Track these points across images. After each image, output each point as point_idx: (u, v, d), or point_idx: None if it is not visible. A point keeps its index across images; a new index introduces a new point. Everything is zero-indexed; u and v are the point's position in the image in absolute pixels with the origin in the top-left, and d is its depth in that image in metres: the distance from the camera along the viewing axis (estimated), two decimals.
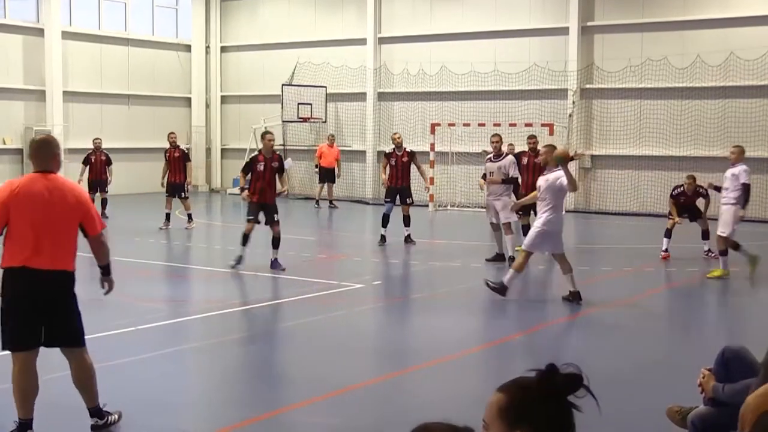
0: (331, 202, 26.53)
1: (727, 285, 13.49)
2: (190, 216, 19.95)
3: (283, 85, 29.09)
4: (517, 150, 18.23)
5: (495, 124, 24.46)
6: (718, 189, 14.85)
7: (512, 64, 26.54)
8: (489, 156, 15.63)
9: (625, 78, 25.34)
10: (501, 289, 11.68)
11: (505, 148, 16.43)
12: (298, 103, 28.74)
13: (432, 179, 24.22)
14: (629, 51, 25.15)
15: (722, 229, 13.79)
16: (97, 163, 22.25)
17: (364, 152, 29.61)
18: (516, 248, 14.92)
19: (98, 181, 22.22)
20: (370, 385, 8.09)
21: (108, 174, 22.39)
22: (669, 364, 9.00)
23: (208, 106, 33.63)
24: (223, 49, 33.47)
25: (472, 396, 7.39)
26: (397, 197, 17.39)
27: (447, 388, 8.05)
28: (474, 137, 25.60)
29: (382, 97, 29.53)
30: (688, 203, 16.19)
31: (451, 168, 26.80)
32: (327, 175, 26.85)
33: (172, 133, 21.03)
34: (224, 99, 33.62)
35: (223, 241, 18.77)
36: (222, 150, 33.61)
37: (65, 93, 28.91)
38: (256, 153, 14.87)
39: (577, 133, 25.90)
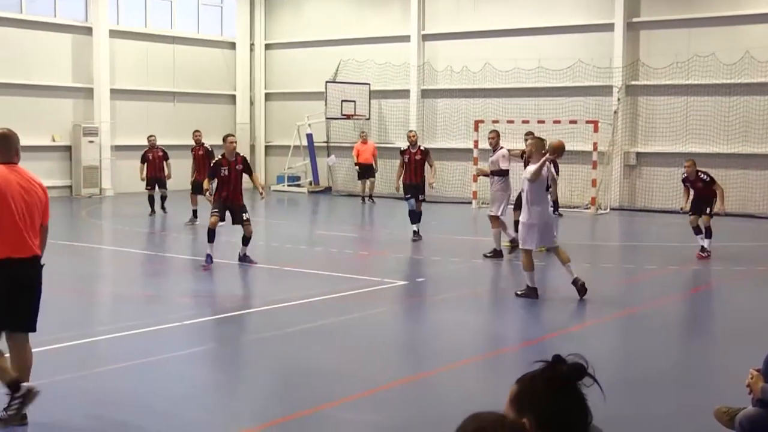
0: (371, 197, 26.67)
1: None
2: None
3: (326, 82, 29.19)
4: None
5: (539, 121, 24.36)
6: None
7: (557, 61, 26.38)
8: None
9: (671, 74, 25.06)
10: (530, 293, 11.60)
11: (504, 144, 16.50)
12: (342, 100, 28.83)
13: (475, 176, 24.15)
14: (675, 47, 24.88)
15: None
16: (155, 160, 22.45)
17: None
18: (503, 243, 15.19)
19: (157, 178, 22.43)
20: (409, 382, 8.11)
21: (166, 169, 22.60)
22: (716, 364, 8.91)
23: (252, 103, 33.84)
24: (268, 47, 33.66)
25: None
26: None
27: (485, 386, 8.03)
28: (519, 135, 25.45)
29: (425, 94, 29.51)
30: (703, 193, 15.42)
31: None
32: (366, 172, 27.07)
33: (197, 131, 21.21)
34: (268, 96, 33.81)
35: (266, 238, 18.88)
36: (266, 147, 33.82)
37: (112, 91, 29.26)
38: (219, 158, 14.85)
39: (622, 130, 25.67)
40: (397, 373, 8.37)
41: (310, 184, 30.50)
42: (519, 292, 11.77)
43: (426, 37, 29.47)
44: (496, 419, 2.46)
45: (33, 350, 6.73)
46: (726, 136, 24.36)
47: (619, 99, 25.55)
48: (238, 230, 14.56)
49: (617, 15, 25.56)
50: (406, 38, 29.55)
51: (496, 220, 15.31)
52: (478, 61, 27.95)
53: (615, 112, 25.59)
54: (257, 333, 10.17)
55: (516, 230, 13.95)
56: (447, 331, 10.47)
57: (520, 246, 11.88)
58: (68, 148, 28.32)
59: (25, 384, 6.51)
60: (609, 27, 25.75)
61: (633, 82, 25.61)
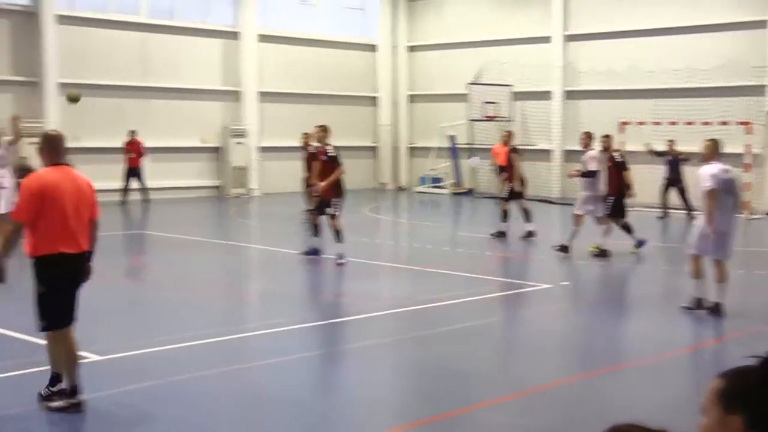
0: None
1: None
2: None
3: (468, 83, 29.19)
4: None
5: (687, 123, 23.69)
6: None
7: (705, 60, 25.58)
8: None
9: None
10: (696, 305, 10.79)
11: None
12: (484, 102, 28.78)
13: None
14: None
15: None
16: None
17: (550, 151, 29.31)
18: (589, 248, 15.14)
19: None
20: (558, 385, 8.03)
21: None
22: None
23: (395, 105, 34.14)
24: (411, 49, 33.90)
25: (662, 401, 7.24)
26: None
27: (637, 392, 7.87)
28: (666, 136, 24.81)
29: (569, 95, 29.13)
30: None
31: (641, 168, 26.06)
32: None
33: (306, 133, 20.51)
34: (412, 98, 34.04)
35: (409, 239, 19.03)
36: (409, 148, 34.06)
37: (259, 93, 30.08)
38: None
39: None
40: (546, 377, 8.30)
41: (453, 185, 30.57)
42: (689, 306, 10.78)
43: (569, 38, 29.09)
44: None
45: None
46: None
47: None
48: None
49: None
50: (547, 39, 29.25)
51: (578, 218, 15.61)
52: (622, 61, 27.40)
53: None
54: (403, 333, 10.26)
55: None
56: (594, 335, 10.32)
57: (690, 251, 10.79)
58: (217, 150, 29.27)
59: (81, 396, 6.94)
60: (761, 24, 24.82)
61: None
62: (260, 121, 29.90)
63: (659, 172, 22.64)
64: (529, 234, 17.43)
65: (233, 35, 29.73)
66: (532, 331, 10.41)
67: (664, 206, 22.18)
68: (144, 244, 18.75)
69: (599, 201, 15.65)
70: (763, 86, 24.73)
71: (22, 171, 15.59)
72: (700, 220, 10.85)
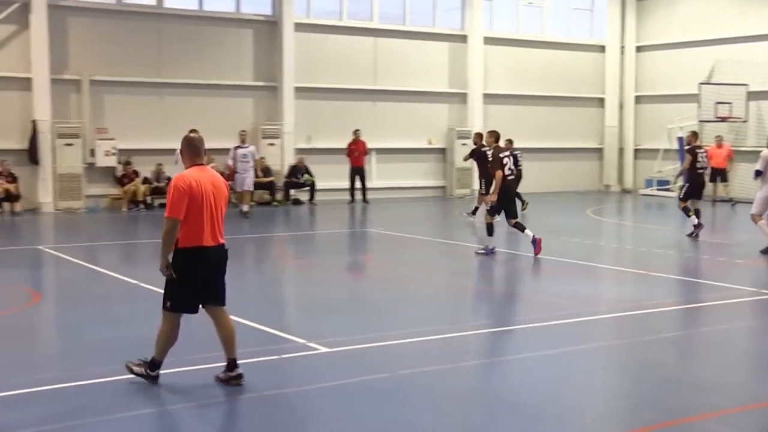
0: (721, 200, 26.27)
1: None
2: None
3: (700, 83, 28.28)
4: None
5: None
6: None
7: None
8: None
9: None
10: None
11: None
12: (716, 102, 27.80)
13: None
14: None
15: None
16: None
17: None
18: None
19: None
20: None
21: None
22: None
23: (621, 106, 33.58)
24: (638, 49, 33.24)
25: None
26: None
27: None
28: None
29: None
30: None
31: None
32: (717, 175, 26.49)
33: (478, 133, 21.77)
34: (638, 99, 33.37)
35: (634, 242, 18.79)
36: (635, 150, 33.41)
37: (485, 95, 30.47)
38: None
39: None
40: None
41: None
42: None
43: None
44: None
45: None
46: None
47: None
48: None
49: None
50: None
51: (757, 216, 15.89)
52: None
53: None
54: (623, 338, 10.17)
55: None
56: None
57: None
58: (443, 151, 29.95)
59: (238, 370, 7.56)
60: None
61: None
62: (485, 123, 30.28)
63: None
64: None
65: (461, 38, 30.29)
66: (764, 343, 10.10)
67: None
68: (368, 242, 19.51)
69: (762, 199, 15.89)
70: None
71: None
72: None
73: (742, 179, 26.61)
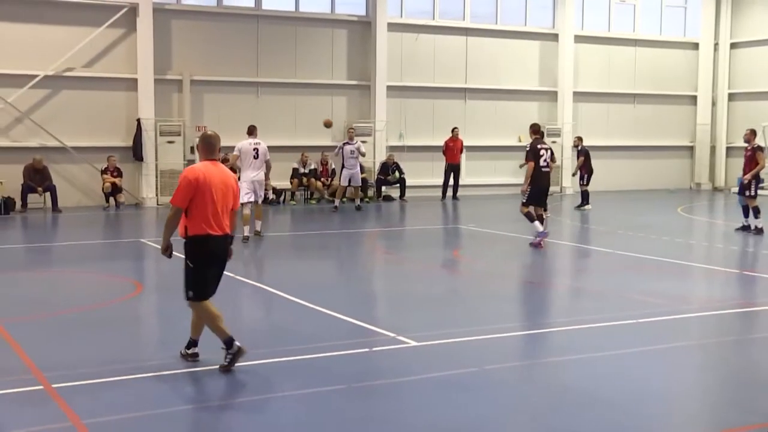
0: None
1: None
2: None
3: None
4: None
5: None
6: None
7: None
8: None
9: None
10: None
11: None
12: None
13: None
14: None
15: None
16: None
17: None
18: None
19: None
20: None
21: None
22: None
23: (714, 104, 33.23)
24: (732, 46, 32.84)
25: None
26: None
27: None
28: None
29: None
30: None
31: None
32: None
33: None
34: (732, 96, 32.98)
35: (725, 240, 18.75)
36: (727, 148, 33.03)
37: (575, 93, 30.55)
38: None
39: None
40: None
41: None
42: None
43: None
44: None
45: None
46: None
47: None
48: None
49: None
50: None
51: None
52: None
53: None
54: (716, 337, 10.14)
55: None
56: None
57: None
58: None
59: (237, 343, 7.99)
60: None
61: None
62: (574, 121, 30.38)
63: None
64: None
65: (552, 37, 30.41)
66: None
67: None
68: (458, 238, 19.83)
69: None
70: None
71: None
72: None
73: None
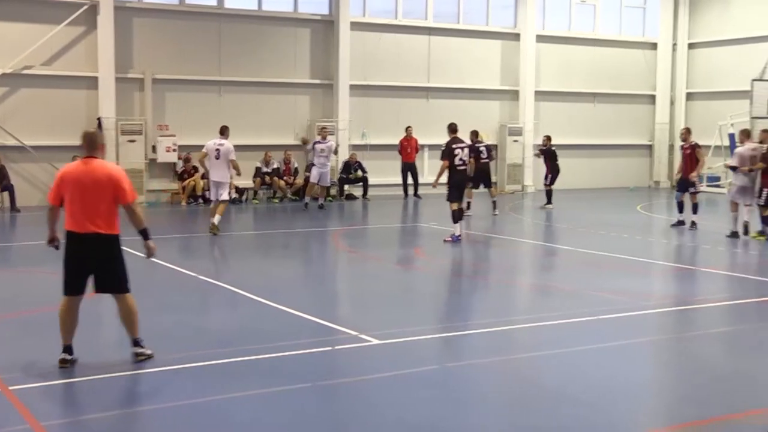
0: None
1: None
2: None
3: (753, 80, 28.32)
4: None
5: None
6: None
7: None
8: None
9: None
10: None
11: None
12: None
13: None
14: None
15: None
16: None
17: None
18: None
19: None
20: None
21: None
22: None
23: (672, 103, 33.66)
24: (690, 46, 33.28)
25: None
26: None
27: None
28: None
29: None
30: None
31: None
32: None
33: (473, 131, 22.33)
34: (690, 96, 33.42)
35: (684, 238, 18.98)
36: None
37: (536, 92, 30.80)
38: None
39: None
40: None
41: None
42: None
43: None
44: None
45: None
46: None
47: None
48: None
49: None
50: None
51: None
52: None
53: None
54: (674, 333, 10.31)
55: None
56: None
57: None
58: (495, 147, 30.28)
59: (71, 356, 8.10)
60: None
61: None
62: (536, 120, 30.62)
63: None
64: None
65: (514, 36, 30.62)
66: None
67: None
68: (418, 236, 19.89)
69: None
70: None
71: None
72: None
73: None
